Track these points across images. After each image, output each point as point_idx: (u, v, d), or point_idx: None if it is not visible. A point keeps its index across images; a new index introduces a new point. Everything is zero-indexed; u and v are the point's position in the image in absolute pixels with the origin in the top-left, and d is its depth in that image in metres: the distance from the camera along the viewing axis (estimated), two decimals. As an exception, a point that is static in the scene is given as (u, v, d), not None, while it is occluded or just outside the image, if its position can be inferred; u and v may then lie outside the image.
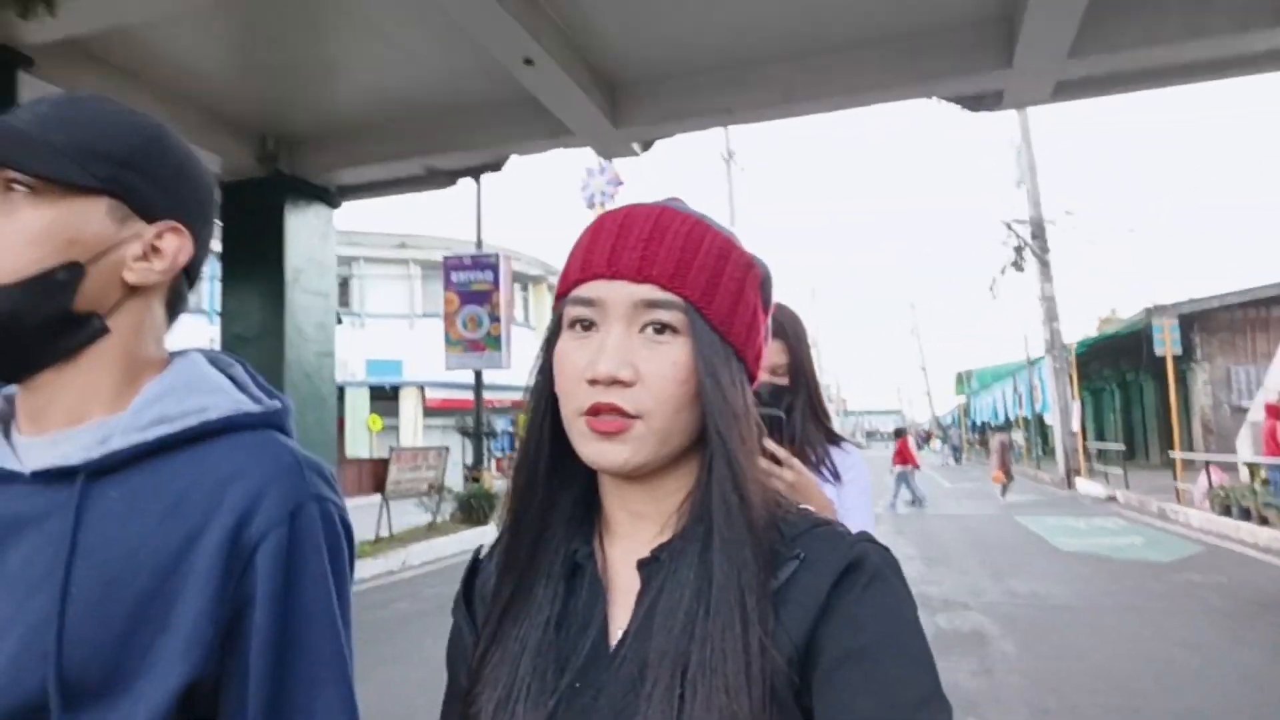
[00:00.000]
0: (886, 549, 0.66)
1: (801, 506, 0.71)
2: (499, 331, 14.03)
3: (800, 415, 1.73)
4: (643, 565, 0.68)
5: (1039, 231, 22.38)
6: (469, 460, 16.41)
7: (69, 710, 0.64)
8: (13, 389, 0.77)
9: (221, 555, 0.68)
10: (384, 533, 11.29)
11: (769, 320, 0.75)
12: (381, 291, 32.07)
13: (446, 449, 13.04)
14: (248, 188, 9.40)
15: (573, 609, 0.69)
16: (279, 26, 6.95)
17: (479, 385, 14.73)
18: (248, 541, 0.69)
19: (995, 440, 19.78)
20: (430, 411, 29.68)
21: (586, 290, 0.67)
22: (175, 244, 0.76)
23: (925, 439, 55.35)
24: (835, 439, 1.80)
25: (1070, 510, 15.30)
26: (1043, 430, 27.79)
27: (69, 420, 0.73)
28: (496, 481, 14.47)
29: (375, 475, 22.79)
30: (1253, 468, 11.78)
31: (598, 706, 0.64)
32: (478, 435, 14.59)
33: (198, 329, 27.10)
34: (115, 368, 0.75)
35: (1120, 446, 19.08)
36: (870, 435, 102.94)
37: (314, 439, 9.54)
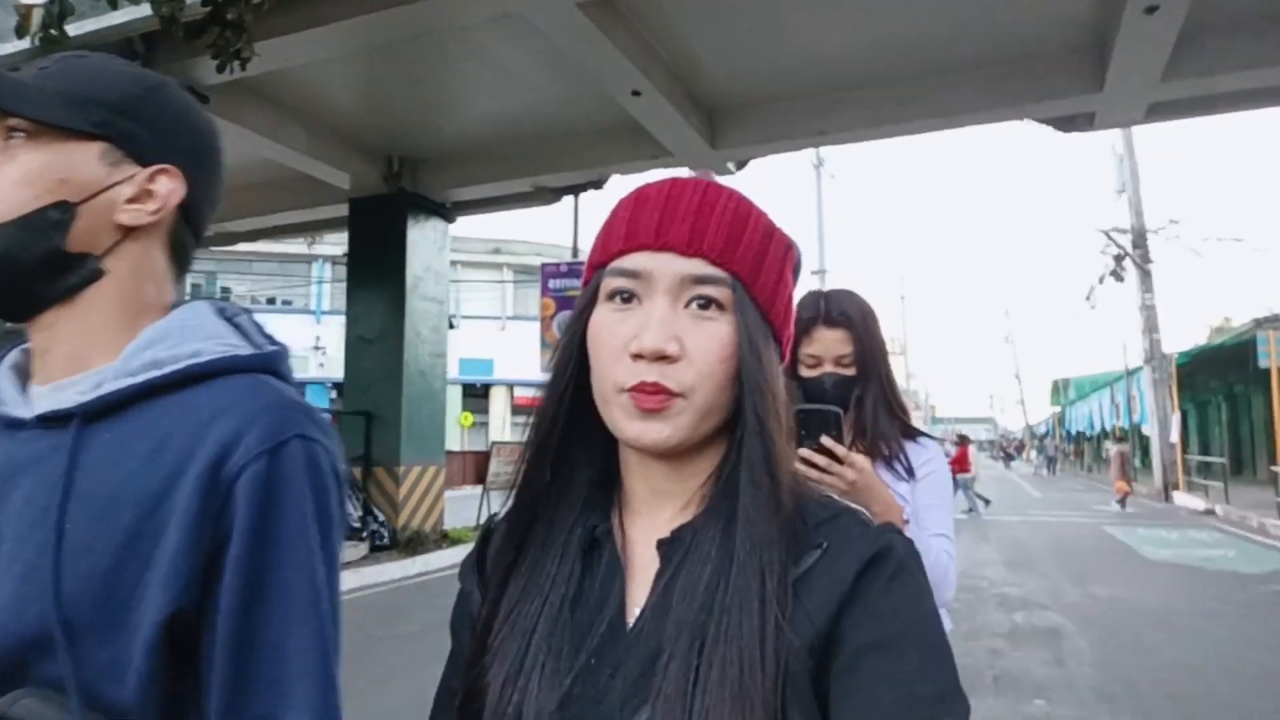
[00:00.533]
0: (913, 545, 0.66)
1: (826, 494, 0.70)
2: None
3: (871, 407, 1.65)
4: (663, 544, 0.67)
5: (1140, 241, 21.88)
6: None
7: (72, 643, 0.66)
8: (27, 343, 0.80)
9: (201, 490, 0.69)
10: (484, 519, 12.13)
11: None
12: (475, 294, 33.29)
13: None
14: (374, 204, 10.34)
15: (589, 586, 0.68)
16: (410, 64, 7.77)
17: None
18: (227, 476, 0.69)
19: (1115, 450, 19.40)
20: (518, 409, 30.77)
21: (630, 261, 0.66)
22: (167, 186, 0.78)
23: (1018, 449, 53.43)
24: (912, 433, 1.69)
25: (1164, 522, 15.09)
26: (1141, 442, 26.99)
27: (72, 367, 0.75)
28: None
29: (476, 466, 23.90)
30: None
31: (614, 684, 0.63)
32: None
33: (305, 328, 28.82)
34: (114, 313, 0.76)
35: (1221, 459, 18.53)
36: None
37: (426, 431, 10.46)
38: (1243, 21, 7.05)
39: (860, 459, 1.34)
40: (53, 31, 4.96)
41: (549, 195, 10.65)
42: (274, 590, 0.69)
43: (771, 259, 0.68)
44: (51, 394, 0.74)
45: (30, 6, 6.65)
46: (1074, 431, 40.70)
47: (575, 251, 15.50)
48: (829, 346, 1.64)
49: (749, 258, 0.66)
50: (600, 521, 0.70)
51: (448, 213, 10.91)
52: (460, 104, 8.90)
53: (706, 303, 0.65)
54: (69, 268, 0.74)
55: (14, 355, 0.80)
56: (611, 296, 0.66)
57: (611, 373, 0.65)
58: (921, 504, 1.60)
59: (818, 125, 8.54)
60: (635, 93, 7.54)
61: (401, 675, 5.14)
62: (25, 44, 5.78)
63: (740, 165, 9.62)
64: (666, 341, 0.63)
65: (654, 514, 0.70)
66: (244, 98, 7.85)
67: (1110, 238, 22.14)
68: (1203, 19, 6.78)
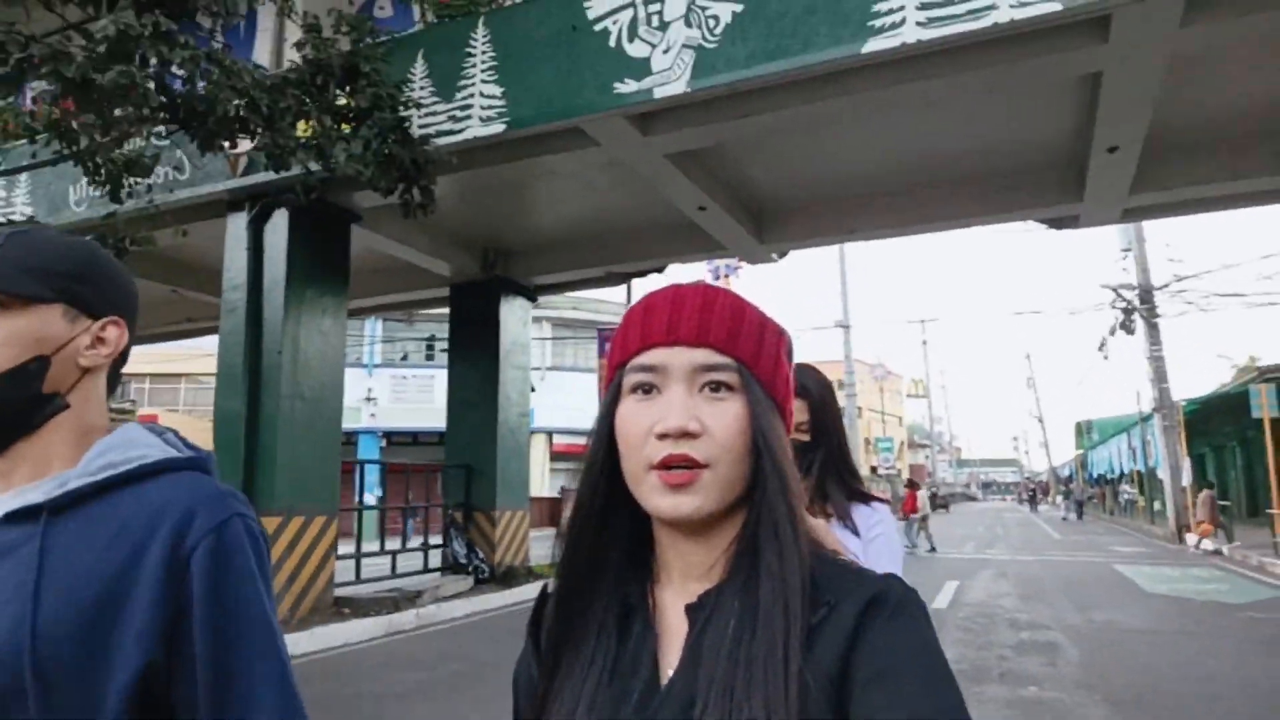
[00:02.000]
0: (911, 588, 0.71)
1: (832, 550, 0.76)
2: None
3: (819, 471, 1.80)
4: (690, 609, 0.74)
5: (1147, 297, 23.38)
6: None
7: (45, 691, 0.80)
8: None
9: (163, 564, 0.84)
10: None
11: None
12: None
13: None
14: (471, 288, 12.21)
15: (625, 654, 0.75)
16: (509, 181, 9.51)
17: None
18: (184, 552, 0.85)
19: (1204, 494, 19.40)
20: (557, 455, 32.38)
21: (648, 357, 0.75)
22: (115, 333, 0.97)
23: (1043, 491, 53.59)
24: (862, 497, 1.83)
25: (1172, 561, 16.40)
26: (1155, 486, 28.13)
27: (33, 477, 0.91)
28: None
29: (537, 510, 25.49)
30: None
31: None
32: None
33: (358, 381, 30.55)
34: (71, 434, 0.93)
35: (1226, 503, 19.78)
36: (986, 487, 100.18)
37: (515, 481, 12.18)
38: (1198, 144, 8.75)
39: (816, 522, 1.52)
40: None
41: (617, 279, 12.49)
42: (238, 638, 0.86)
43: (768, 345, 0.77)
44: (15, 498, 0.89)
45: (237, 155, 8.58)
46: (1095, 474, 41.38)
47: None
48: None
49: (749, 345, 0.75)
50: (634, 591, 0.78)
51: (531, 293, 12.76)
52: (547, 208, 10.76)
53: (717, 386, 0.74)
54: (43, 405, 0.92)
55: None
56: (634, 390, 0.75)
57: (640, 454, 0.72)
58: (870, 564, 1.85)
59: (848, 225, 10.32)
60: (701, 208, 9.36)
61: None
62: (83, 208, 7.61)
63: (782, 255, 11.41)
64: (688, 420, 0.71)
65: (683, 582, 0.76)
66: (384, 214, 9.72)
67: (1119, 293, 23.65)
68: (1165, 143, 8.49)
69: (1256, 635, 8.47)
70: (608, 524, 0.78)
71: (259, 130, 6.28)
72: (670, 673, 0.72)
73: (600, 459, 0.77)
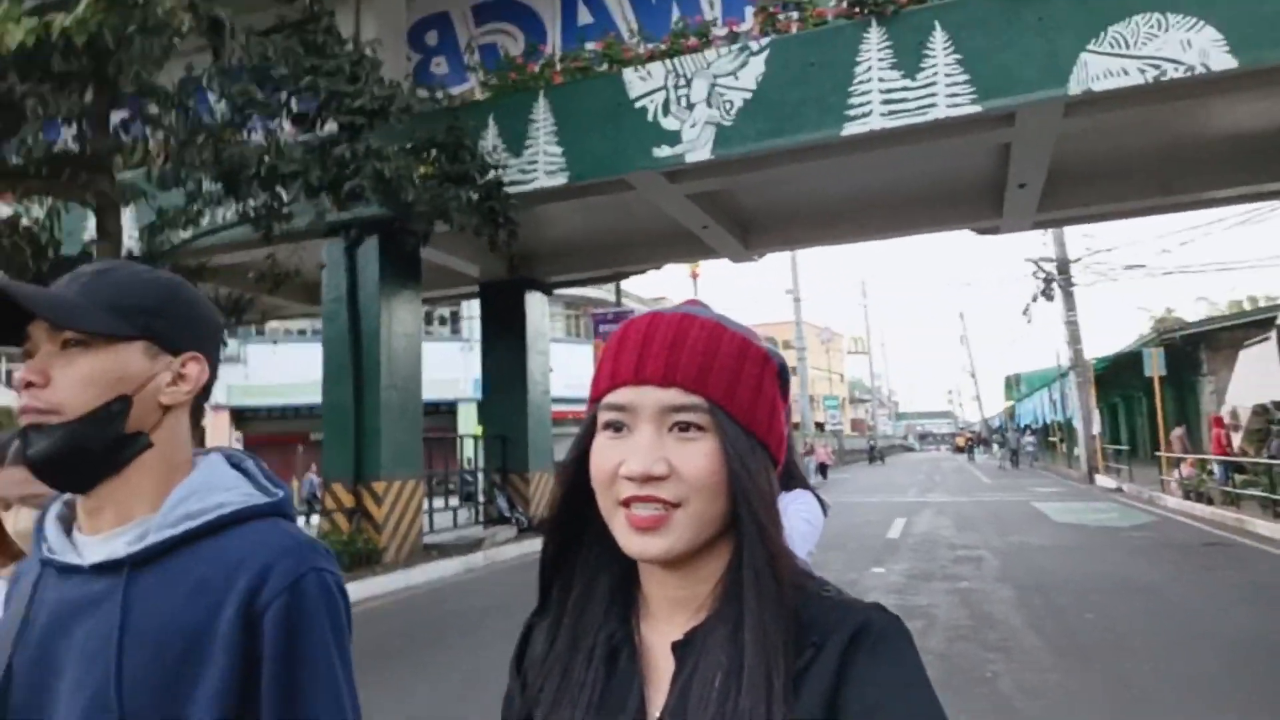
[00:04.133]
0: (894, 615, 0.71)
1: (819, 581, 0.75)
2: (633, 367, 18.95)
3: None
4: (677, 647, 0.73)
5: (1064, 268, 26.48)
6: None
7: None
8: (71, 496, 0.95)
9: (239, 621, 0.85)
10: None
11: (787, 405, 0.81)
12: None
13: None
14: (498, 286, 14.39)
15: (611, 689, 0.74)
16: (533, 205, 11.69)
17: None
18: (258, 609, 0.86)
19: (1176, 432, 18.89)
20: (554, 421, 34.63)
21: (617, 397, 0.73)
22: (196, 369, 0.95)
23: (976, 442, 56.87)
24: (791, 484, 2.11)
25: (1080, 498, 19.53)
26: (1071, 434, 31.67)
27: (119, 520, 0.91)
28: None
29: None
30: (1203, 463, 16.00)
31: None
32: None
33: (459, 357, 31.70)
34: (155, 474, 0.93)
35: (1125, 448, 23.12)
36: (923, 438, 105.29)
37: (541, 447, 14.52)
38: (1088, 177, 11.35)
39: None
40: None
41: (621, 276, 14.76)
42: (303, 700, 0.86)
43: (747, 376, 0.73)
44: (101, 544, 0.90)
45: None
46: (1022, 424, 45.00)
47: (619, 301, 19.66)
48: None
49: (722, 380, 0.72)
50: (619, 627, 0.77)
51: (549, 289, 14.97)
52: (565, 221, 12.93)
53: (686, 426, 0.71)
54: (127, 445, 0.91)
55: (57, 507, 0.96)
56: (606, 427, 0.74)
57: (609, 491, 0.72)
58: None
59: (819, 235, 12.78)
60: (704, 226, 11.69)
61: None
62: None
63: (761, 256, 13.82)
64: (653, 464, 0.69)
65: (669, 618, 0.75)
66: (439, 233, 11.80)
67: (1039, 265, 26.70)
68: (1063, 176, 11.04)
69: (1128, 546, 11.33)
70: (594, 556, 0.79)
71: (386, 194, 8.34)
72: (657, 713, 0.72)
73: (573, 491, 0.77)
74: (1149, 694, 4.96)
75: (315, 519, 12.54)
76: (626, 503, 0.70)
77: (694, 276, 26.87)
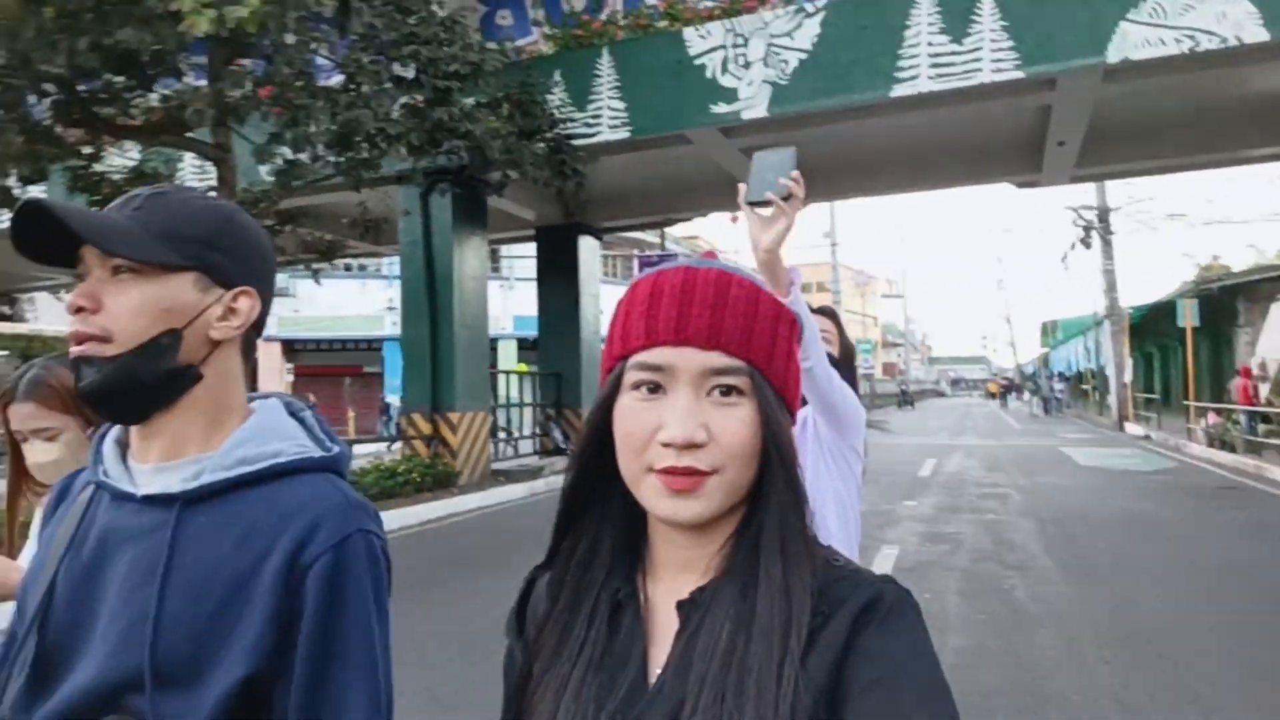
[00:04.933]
0: (905, 589, 0.70)
1: (831, 551, 0.74)
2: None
3: None
4: (682, 606, 0.72)
5: (1104, 216, 26.56)
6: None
7: (157, 686, 0.81)
8: None
9: (281, 575, 0.84)
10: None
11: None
12: (528, 260, 37.90)
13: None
14: (554, 231, 15.14)
15: (614, 645, 0.73)
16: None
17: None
18: (302, 565, 0.84)
19: (1235, 383, 18.04)
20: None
21: (653, 356, 0.70)
22: (248, 304, 0.93)
23: (1009, 389, 56.75)
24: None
25: (1107, 444, 20.15)
26: (1103, 382, 32.02)
27: (171, 453, 0.90)
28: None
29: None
30: (1230, 412, 16.52)
31: None
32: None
33: (381, 291, 33.05)
34: (206, 409, 0.91)
35: (1157, 397, 23.57)
36: (955, 384, 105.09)
37: (592, 385, 15.37)
38: (1126, 135, 11.73)
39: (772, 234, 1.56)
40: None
41: (667, 222, 15.42)
42: (338, 661, 0.85)
43: (781, 339, 0.73)
44: (154, 475, 0.89)
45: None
46: (1055, 372, 45.09)
47: (663, 245, 20.31)
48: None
49: (763, 344, 0.71)
50: (624, 585, 0.76)
51: (600, 234, 15.68)
52: (617, 169, 13.56)
53: (728, 390, 0.69)
54: (177, 379, 0.89)
55: (116, 430, 0.96)
56: (637, 386, 0.71)
57: (641, 457, 0.69)
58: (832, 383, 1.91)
59: (864, 185, 13.31)
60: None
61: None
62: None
63: (805, 205, 14.38)
64: (695, 430, 0.67)
65: (675, 577, 0.74)
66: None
67: (1079, 214, 26.81)
68: (1101, 134, 11.46)
69: (1146, 487, 12.04)
70: (600, 514, 0.78)
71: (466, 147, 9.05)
72: (658, 670, 0.71)
73: (593, 452, 0.75)
74: (1141, 603, 5.77)
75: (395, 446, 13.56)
76: (662, 470, 0.68)
77: (734, 221, 27.33)
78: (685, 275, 0.72)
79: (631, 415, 0.70)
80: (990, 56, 8.62)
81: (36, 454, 1.48)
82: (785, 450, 0.71)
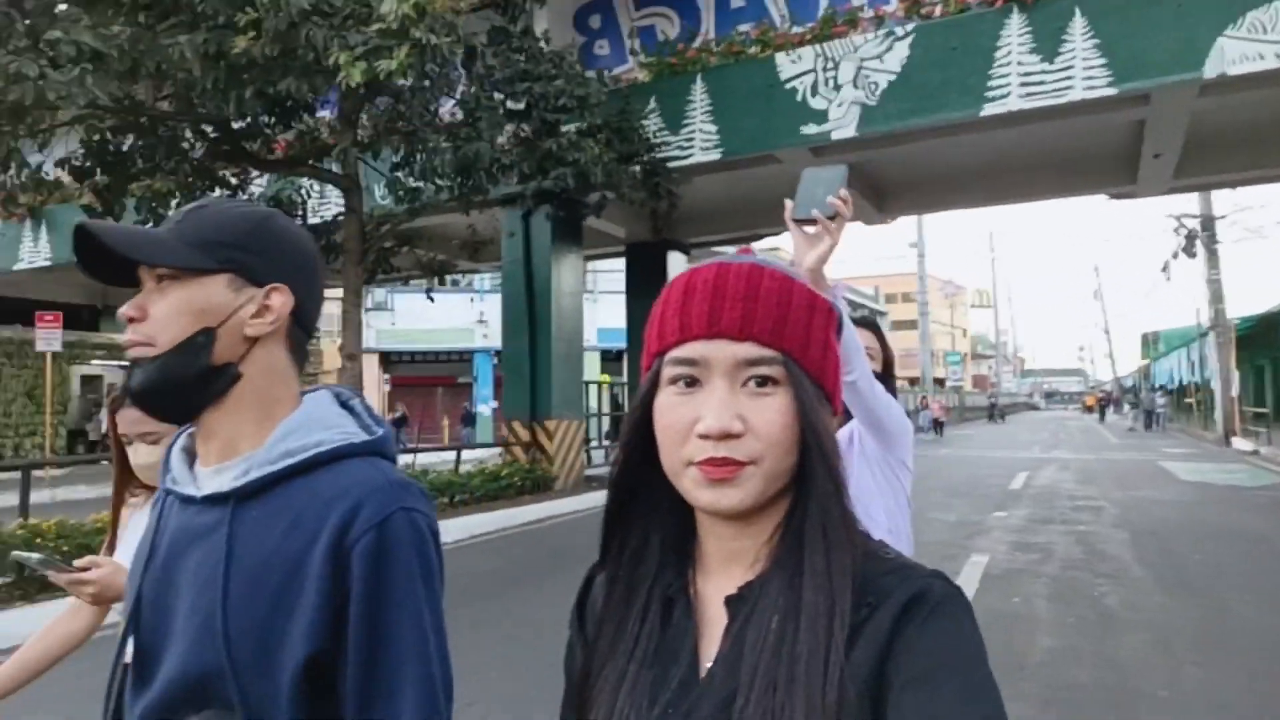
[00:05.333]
0: (956, 586, 0.69)
1: (880, 543, 0.75)
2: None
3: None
4: (730, 601, 0.73)
5: (1208, 224, 25.65)
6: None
7: (236, 674, 0.86)
8: (192, 429, 1.00)
9: (329, 558, 0.88)
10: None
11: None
12: (610, 274, 38.68)
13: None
14: (643, 247, 15.73)
15: (666, 640, 0.75)
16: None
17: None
18: (347, 546, 0.88)
19: None
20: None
21: (687, 350, 0.71)
22: (279, 300, 0.97)
23: (1107, 402, 54.88)
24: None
25: (1212, 459, 19.48)
26: (1209, 396, 30.73)
27: (226, 453, 0.95)
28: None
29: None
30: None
31: None
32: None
33: (470, 305, 34.21)
34: (252, 406, 0.96)
35: (1265, 411, 22.63)
36: (1050, 396, 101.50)
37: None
38: (1224, 145, 11.56)
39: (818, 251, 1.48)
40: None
41: (756, 239, 15.77)
42: (387, 638, 0.88)
43: (816, 329, 0.73)
44: (212, 476, 0.95)
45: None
46: (1156, 385, 43.38)
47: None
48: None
49: (797, 334, 0.71)
50: (674, 581, 0.77)
51: (688, 249, 16.18)
52: (706, 187, 13.99)
53: (763, 380, 0.70)
54: (216, 377, 0.94)
55: (184, 439, 1.02)
56: (674, 381, 0.72)
57: (680, 450, 0.70)
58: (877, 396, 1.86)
59: (951, 199, 13.42)
60: (842, 193, 12.55)
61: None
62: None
63: (894, 219, 14.55)
64: (731, 421, 0.68)
65: (725, 571, 0.75)
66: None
67: (1181, 222, 25.93)
68: (1199, 145, 11.33)
69: (1251, 503, 11.77)
70: (649, 511, 0.78)
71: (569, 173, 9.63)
72: (709, 664, 0.72)
73: (636, 447, 0.76)
74: (1237, 612, 5.86)
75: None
76: (701, 462, 0.69)
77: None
78: (718, 270, 0.73)
79: (669, 410, 0.71)
80: (1082, 74, 8.75)
81: (140, 456, 1.57)
82: (824, 439, 0.71)
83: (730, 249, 19.66)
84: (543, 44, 9.05)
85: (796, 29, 10.67)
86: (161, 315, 0.93)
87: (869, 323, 2.22)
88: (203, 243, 0.94)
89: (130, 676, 0.95)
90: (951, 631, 0.65)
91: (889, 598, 0.67)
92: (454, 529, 8.98)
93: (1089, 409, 56.82)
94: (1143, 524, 9.83)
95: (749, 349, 0.70)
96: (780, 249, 36.41)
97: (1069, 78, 8.79)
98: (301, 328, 1.01)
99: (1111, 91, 8.67)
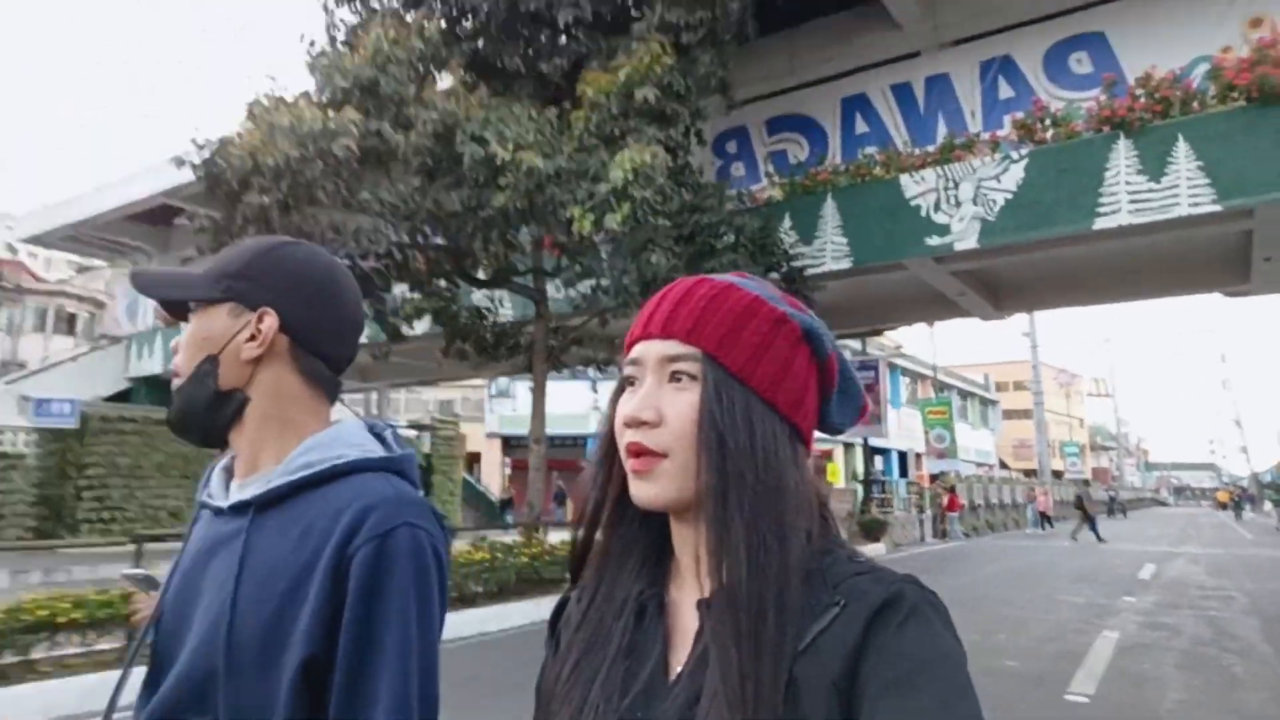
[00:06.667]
0: (930, 592, 0.69)
1: (851, 549, 0.75)
2: (878, 411, 20.78)
3: None
4: (701, 605, 0.74)
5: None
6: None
7: (232, 676, 0.89)
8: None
9: (332, 564, 0.90)
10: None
11: (839, 371, 0.81)
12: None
13: (855, 490, 19.91)
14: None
15: (639, 646, 0.77)
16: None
17: (867, 448, 21.64)
18: (349, 553, 0.90)
19: None
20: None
21: (633, 352, 0.78)
22: (269, 323, 1.00)
23: (1241, 498, 51.80)
24: None
25: (1356, 556, 18.93)
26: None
27: (251, 469, 1.00)
28: (879, 511, 21.13)
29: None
30: None
31: None
32: (868, 480, 21.52)
33: (584, 394, 36.00)
34: (265, 427, 1.00)
35: None
36: (1178, 492, 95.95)
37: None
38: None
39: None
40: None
41: (878, 333, 16.88)
42: (373, 647, 0.90)
43: (751, 332, 0.74)
44: (240, 489, 1.00)
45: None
46: (1297, 480, 41.07)
47: (864, 350, 21.77)
48: None
49: (716, 333, 0.74)
50: (648, 588, 0.79)
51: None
52: (834, 287, 15.21)
53: (679, 375, 0.75)
54: (225, 403, 1.00)
55: (224, 460, 1.08)
56: (627, 382, 0.78)
57: (621, 442, 0.76)
58: None
59: (1066, 298, 14.25)
60: (961, 293, 13.60)
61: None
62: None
63: (1009, 315, 15.42)
64: (642, 410, 0.73)
65: (696, 578, 0.75)
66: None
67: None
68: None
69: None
70: (628, 521, 0.80)
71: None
72: (679, 668, 0.73)
73: (607, 451, 0.79)
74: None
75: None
76: (627, 450, 0.74)
77: (930, 324, 28.21)
78: (673, 285, 0.80)
79: (617, 406, 0.78)
80: (1187, 192, 9.70)
81: None
82: (728, 437, 0.71)
83: (855, 343, 20.76)
84: (699, 176, 10.62)
85: (917, 150, 12.00)
86: (183, 347, 1.02)
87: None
88: (216, 276, 1.02)
89: (145, 678, 0.99)
90: (929, 636, 0.65)
91: (863, 597, 0.67)
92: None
93: (1222, 505, 53.87)
94: (1274, 612, 10.17)
95: (670, 346, 0.75)
96: (894, 342, 36.99)
97: (1175, 195, 9.75)
98: (311, 351, 1.03)
99: (1216, 208, 9.57)
